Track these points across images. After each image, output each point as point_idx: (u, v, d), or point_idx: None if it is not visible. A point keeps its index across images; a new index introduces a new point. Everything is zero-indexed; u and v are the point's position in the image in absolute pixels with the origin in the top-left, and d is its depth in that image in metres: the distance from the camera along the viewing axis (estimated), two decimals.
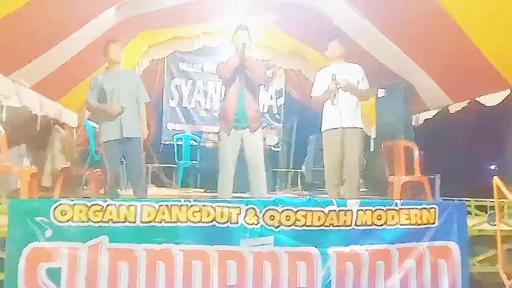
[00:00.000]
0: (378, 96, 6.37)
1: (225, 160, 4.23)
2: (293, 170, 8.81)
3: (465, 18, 4.26)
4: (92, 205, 2.79)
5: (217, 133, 4.71)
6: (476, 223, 3.49)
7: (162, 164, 8.28)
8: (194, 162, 7.48)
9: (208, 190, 6.37)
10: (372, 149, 7.00)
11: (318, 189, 6.92)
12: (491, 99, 4.79)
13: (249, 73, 4.18)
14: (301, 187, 8.06)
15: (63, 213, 2.75)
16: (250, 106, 4.25)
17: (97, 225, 2.77)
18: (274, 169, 8.03)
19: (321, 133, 4.63)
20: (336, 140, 4.41)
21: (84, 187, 5.67)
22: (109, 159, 4.28)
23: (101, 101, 4.29)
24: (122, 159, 4.43)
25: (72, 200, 2.79)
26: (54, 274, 2.70)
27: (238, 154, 4.26)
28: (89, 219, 2.77)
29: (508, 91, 4.62)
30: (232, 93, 4.23)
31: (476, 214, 3.68)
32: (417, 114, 6.26)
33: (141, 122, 4.39)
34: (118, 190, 4.50)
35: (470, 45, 4.40)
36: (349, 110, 4.41)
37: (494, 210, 3.31)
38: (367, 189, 6.61)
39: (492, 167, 5.16)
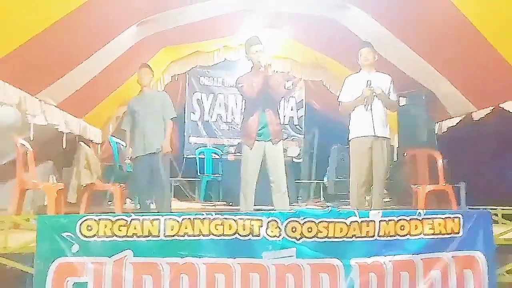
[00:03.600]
0: (400, 104, 6.31)
1: (247, 173, 4.26)
2: (315, 181, 8.76)
3: (486, 24, 4.21)
4: (117, 220, 2.85)
5: (239, 145, 4.75)
6: (502, 232, 3.41)
7: (185, 178, 8.35)
8: (216, 175, 7.52)
9: (230, 203, 6.40)
10: (395, 158, 6.93)
11: (341, 200, 6.88)
12: None
13: (271, 91, 4.22)
14: (323, 198, 8.01)
15: (89, 228, 2.82)
16: (271, 121, 4.29)
17: (121, 239, 2.83)
18: (296, 181, 8.01)
19: (349, 140, 4.56)
20: (366, 148, 4.36)
21: (109, 202, 5.77)
22: (136, 174, 4.69)
23: (133, 122, 4.73)
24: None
25: (98, 216, 2.86)
26: None
27: (260, 166, 4.29)
28: (114, 233, 2.83)
29: None
30: (255, 110, 4.28)
31: (503, 223, 3.59)
32: (440, 122, 6.18)
33: (165, 137, 4.62)
34: (149, 203, 4.74)
35: (492, 51, 4.34)
36: (381, 119, 4.38)
37: None
38: (391, 199, 6.54)
39: None
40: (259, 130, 4.24)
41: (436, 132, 6.16)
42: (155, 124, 4.65)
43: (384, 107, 4.42)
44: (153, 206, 4.79)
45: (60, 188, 4.56)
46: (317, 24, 6.06)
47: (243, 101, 4.52)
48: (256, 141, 4.24)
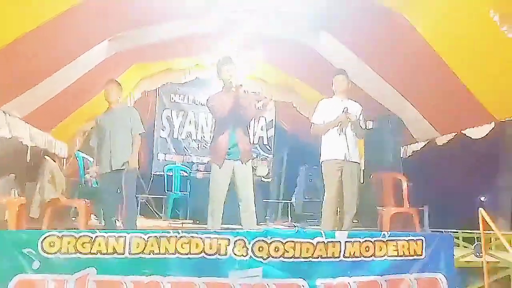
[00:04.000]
0: (367, 128, 6.46)
1: (215, 191, 4.24)
2: (283, 201, 8.80)
3: (450, 54, 4.40)
4: (81, 236, 2.79)
5: (208, 163, 4.74)
6: (463, 255, 3.50)
7: (152, 195, 8.24)
8: (184, 193, 7.46)
9: (197, 222, 6.34)
10: (361, 181, 7.04)
11: (308, 220, 6.92)
12: (477, 132, 4.89)
13: (242, 111, 4.24)
14: (291, 218, 8.04)
15: (51, 244, 2.74)
16: (241, 140, 4.29)
17: (85, 256, 2.77)
18: (264, 200, 8.02)
19: (320, 162, 4.66)
20: (338, 171, 4.50)
21: (73, 218, 5.64)
22: (102, 191, 4.59)
23: (101, 139, 4.58)
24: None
25: (61, 232, 2.79)
26: None
27: (228, 185, 4.29)
28: (78, 250, 2.76)
29: (492, 124, 4.73)
30: (225, 129, 4.29)
31: (464, 246, 3.70)
32: (405, 146, 6.35)
33: (132, 152, 4.49)
34: (115, 220, 4.58)
35: (455, 80, 4.52)
36: (352, 144, 4.52)
37: (481, 241, 3.34)
38: (357, 221, 6.62)
39: (481, 198, 5.21)
40: (229, 149, 4.24)
41: (401, 156, 6.31)
42: (123, 140, 4.53)
43: (354, 133, 4.55)
44: (118, 223, 4.69)
45: (22, 202, 4.43)
46: (289, 47, 6.18)
47: (213, 120, 4.52)
48: (225, 160, 4.24)
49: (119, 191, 4.45)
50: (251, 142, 8.48)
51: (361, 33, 5.01)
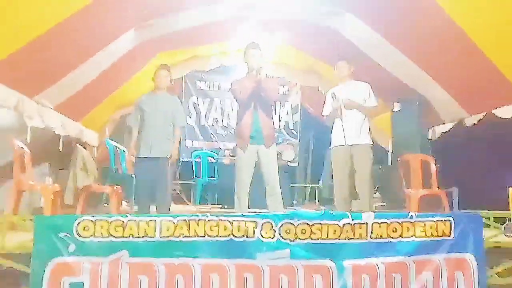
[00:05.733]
0: (394, 110, 6.40)
1: (241, 175, 4.31)
2: (310, 185, 8.82)
3: (478, 32, 4.29)
4: (113, 220, 2.89)
5: (234, 149, 4.81)
6: (493, 235, 3.47)
7: (181, 181, 8.38)
8: (212, 178, 7.56)
9: (225, 207, 6.44)
10: (389, 163, 6.99)
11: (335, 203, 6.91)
12: (507, 111, 4.77)
13: (263, 93, 4.28)
14: (318, 202, 8.06)
15: (86, 228, 2.85)
16: (264, 124, 4.34)
17: (118, 240, 2.86)
18: (291, 185, 8.07)
19: (330, 149, 4.83)
20: (343, 156, 4.60)
21: (105, 204, 5.80)
22: (138, 175, 4.63)
23: (141, 121, 4.62)
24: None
25: (94, 216, 2.89)
26: None
27: (253, 169, 4.35)
28: (110, 234, 2.86)
29: None
30: (248, 113, 4.34)
31: (494, 227, 3.65)
32: (433, 128, 6.25)
33: (174, 144, 4.63)
34: (148, 207, 4.63)
35: (484, 58, 4.42)
36: (354, 128, 4.57)
37: (511, 221, 3.30)
38: (385, 204, 6.60)
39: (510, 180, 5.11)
40: (252, 133, 4.30)
41: (429, 138, 6.23)
42: (164, 128, 4.59)
43: (363, 114, 4.61)
44: (151, 208, 4.78)
45: (57, 190, 4.58)
46: (313, 30, 6.13)
47: (238, 105, 4.58)
48: (249, 144, 4.30)
49: (154, 178, 4.52)
50: (275, 126, 8.62)
51: (386, 14, 4.93)
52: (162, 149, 4.52)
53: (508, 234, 3.46)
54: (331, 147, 4.80)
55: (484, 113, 5.14)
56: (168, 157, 4.54)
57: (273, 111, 4.59)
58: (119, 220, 2.89)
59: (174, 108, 4.72)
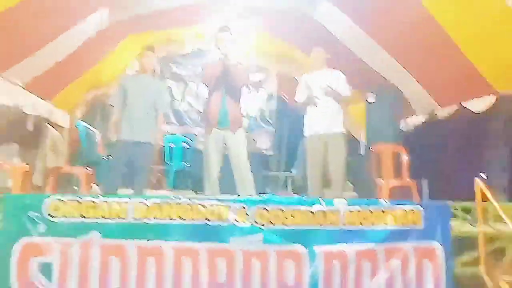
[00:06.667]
0: (368, 101, 6.46)
1: (209, 160, 4.33)
2: (284, 173, 8.86)
3: (452, 24, 4.37)
4: (85, 201, 2.84)
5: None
6: (460, 224, 3.56)
7: (154, 165, 8.27)
8: (186, 164, 7.51)
9: (198, 192, 6.40)
10: (361, 153, 7.08)
11: (308, 193, 6.97)
12: (478, 105, 4.88)
13: (231, 78, 4.29)
14: (292, 190, 8.11)
15: (56, 208, 2.79)
16: (231, 108, 4.36)
17: (89, 221, 2.82)
18: (264, 173, 8.08)
19: (304, 137, 4.81)
20: (318, 144, 4.61)
21: (75, 187, 5.69)
22: (116, 157, 4.44)
23: (123, 102, 4.45)
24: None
25: (64, 195, 2.84)
26: (46, 269, 2.74)
27: (222, 154, 4.37)
28: (82, 215, 2.82)
29: (493, 97, 4.73)
30: (215, 97, 4.36)
31: (462, 218, 3.76)
32: (406, 119, 6.35)
33: (156, 129, 4.50)
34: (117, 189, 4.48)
35: (457, 51, 4.51)
36: (329, 116, 4.59)
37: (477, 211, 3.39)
38: (356, 194, 6.68)
39: (479, 172, 5.25)
40: (219, 118, 4.31)
41: (401, 129, 6.33)
42: (146, 111, 4.43)
43: (337, 102, 4.61)
44: (124, 192, 4.68)
45: (26, 170, 4.47)
46: (289, 17, 6.13)
47: (206, 89, 4.57)
48: (215, 128, 4.32)
49: (131, 162, 4.42)
50: (244, 112, 8.60)
51: (362, 2, 4.97)
52: (146, 133, 4.38)
53: (474, 224, 3.54)
54: (305, 135, 4.79)
55: (456, 107, 5.24)
56: (151, 142, 4.44)
57: (241, 97, 4.58)
58: (91, 200, 2.85)
59: (159, 92, 4.61)
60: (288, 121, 9.18)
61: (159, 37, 7.36)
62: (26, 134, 5.59)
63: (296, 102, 4.87)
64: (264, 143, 8.55)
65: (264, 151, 8.67)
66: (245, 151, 4.42)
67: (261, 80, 9.10)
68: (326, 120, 4.57)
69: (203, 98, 8.73)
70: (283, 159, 9.27)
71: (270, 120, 9.11)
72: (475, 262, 3.33)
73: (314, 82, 4.67)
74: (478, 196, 3.33)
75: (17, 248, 2.72)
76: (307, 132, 4.76)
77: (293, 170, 7.97)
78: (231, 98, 4.39)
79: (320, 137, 4.60)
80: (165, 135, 8.12)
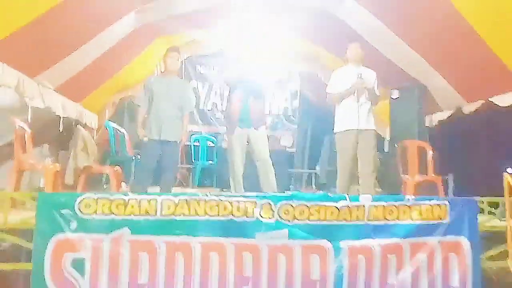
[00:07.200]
0: (392, 97, 6.42)
1: (233, 158, 4.41)
2: (307, 170, 8.87)
3: (478, 18, 4.30)
4: (115, 199, 2.94)
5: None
6: (487, 219, 3.54)
7: (180, 164, 8.39)
8: (211, 163, 7.61)
9: (224, 190, 6.48)
10: (386, 150, 7.04)
11: (332, 189, 6.97)
12: (505, 99, 4.80)
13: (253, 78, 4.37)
14: (315, 187, 8.12)
15: (87, 206, 2.90)
16: (253, 106, 4.43)
17: (119, 218, 2.92)
18: (289, 170, 8.11)
19: (334, 133, 4.72)
20: (351, 141, 4.52)
21: (105, 185, 5.84)
22: (146, 156, 4.56)
23: (149, 103, 4.53)
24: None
25: (96, 194, 2.94)
26: (78, 264, 2.85)
27: (245, 152, 4.43)
28: (112, 212, 2.91)
29: None
30: (236, 95, 4.47)
31: (489, 212, 3.71)
32: (431, 115, 6.29)
33: (182, 128, 4.60)
34: (147, 187, 4.58)
35: (483, 45, 4.43)
36: (366, 112, 4.56)
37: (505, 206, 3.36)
38: (381, 189, 6.65)
39: (506, 167, 5.17)
40: (241, 116, 4.38)
41: (427, 125, 6.27)
42: (173, 111, 4.52)
43: (369, 100, 4.58)
44: (152, 190, 4.78)
45: (57, 169, 4.61)
46: (313, 16, 6.12)
47: (229, 88, 4.67)
48: (238, 127, 4.39)
49: (159, 161, 4.52)
50: (276, 112, 8.64)
51: (386, 0, 4.95)
52: (173, 133, 4.49)
53: (502, 219, 3.51)
54: (336, 131, 4.68)
55: (482, 101, 5.17)
56: (178, 141, 4.54)
57: (263, 94, 4.62)
58: (121, 198, 2.94)
59: (184, 92, 4.70)
60: (312, 118, 9.19)
61: (184, 38, 7.47)
62: (57, 135, 5.77)
63: (329, 93, 4.76)
64: (288, 141, 8.58)
65: (288, 149, 8.70)
66: (267, 147, 4.48)
67: (284, 78, 9.12)
68: (358, 117, 4.49)
69: (227, 97, 8.90)
70: (306, 156, 9.28)
71: (293, 118, 9.14)
72: (503, 256, 3.29)
73: (348, 77, 4.59)
74: (506, 190, 3.29)
75: (51, 244, 2.83)
76: (337, 127, 4.67)
77: (317, 167, 7.97)
78: (253, 96, 4.45)
79: (354, 133, 4.50)
80: (191, 134, 8.29)
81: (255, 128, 4.46)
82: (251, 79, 4.40)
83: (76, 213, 2.90)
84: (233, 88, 4.52)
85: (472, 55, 4.71)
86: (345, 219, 3.10)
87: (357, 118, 4.48)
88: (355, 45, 4.70)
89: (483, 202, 3.65)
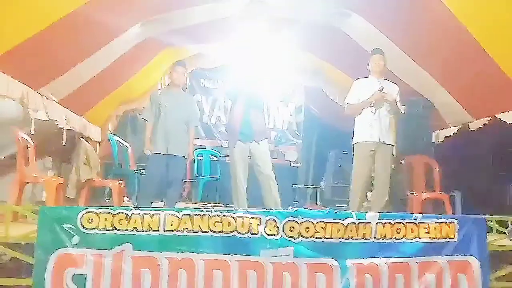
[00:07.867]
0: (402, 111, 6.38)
1: (235, 172, 4.36)
2: (312, 186, 8.81)
3: (485, 35, 4.28)
4: (117, 213, 2.88)
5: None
6: (497, 239, 3.46)
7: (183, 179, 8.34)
8: (214, 177, 7.56)
9: (227, 205, 6.42)
10: (392, 166, 6.98)
11: (337, 205, 6.91)
12: None
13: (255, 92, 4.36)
14: (320, 203, 8.05)
15: (90, 220, 2.84)
16: (255, 120, 4.39)
17: (121, 233, 2.86)
18: (293, 185, 8.05)
19: (353, 144, 4.60)
20: (370, 153, 4.44)
21: (107, 199, 5.80)
22: (151, 170, 4.53)
23: (156, 116, 4.50)
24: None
25: (98, 208, 2.89)
26: (79, 280, 2.78)
27: (247, 166, 4.39)
28: (114, 227, 2.86)
29: None
30: (237, 109, 4.43)
31: (497, 230, 3.64)
32: (437, 131, 6.24)
33: (188, 143, 4.58)
34: (151, 203, 4.53)
35: (490, 62, 4.40)
36: (387, 126, 4.47)
37: None
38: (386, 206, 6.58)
39: None
40: (242, 130, 4.35)
41: (433, 141, 6.22)
42: (179, 126, 4.51)
43: (390, 114, 4.51)
44: (156, 205, 4.73)
45: (60, 182, 4.58)
46: (318, 30, 6.12)
47: (230, 102, 4.64)
48: (239, 141, 4.35)
49: (165, 175, 4.48)
50: (280, 126, 8.61)
51: (391, 15, 4.93)
52: (179, 147, 4.47)
53: (511, 238, 3.44)
54: (354, 142, 4.56)
55: (489, 118, 5.13)
56: (185, 156, 4.52)
57: (265, 108, 4.61)
58: (123, 213, 2.89)
59: (190, 106, 4.71)
60: (316, 133, 9.16)
61: (188, 51, 7.47)
62: (60, 148, 5.74)
63: (348, 104, 4.67)
64: (292, 156, 8.52)
65: (292, 164, 8.65)
66: (270, 161, 4.44)
67: (289, 92, 9.12)
68: (384, 129, 4.42)
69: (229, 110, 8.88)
70: (311, 172, 9.22)
71: (298, 133, 9.11)
72: None
73: (368, 88, 4.51)
74: None
75: (52, 259, 2.77)
76: (356, 138, 4.56)
77: (322, 183, 7.91)
78: (255, 109, 4.42)
79: (373, 145, 4.42)
80: (195, 148, 8.26)
81: (256, 142, 4.41)
82: (252, 92, 4.37)
83: (79, 228, 2.84)
84: (235, 101, 4.49)
85: (479, 72, 4.68)
86: (351, 237, 3.04)
87: (378, 130, 4.40)
88: (378, 57, 4.61)
89: (491, 221, 3.58)
